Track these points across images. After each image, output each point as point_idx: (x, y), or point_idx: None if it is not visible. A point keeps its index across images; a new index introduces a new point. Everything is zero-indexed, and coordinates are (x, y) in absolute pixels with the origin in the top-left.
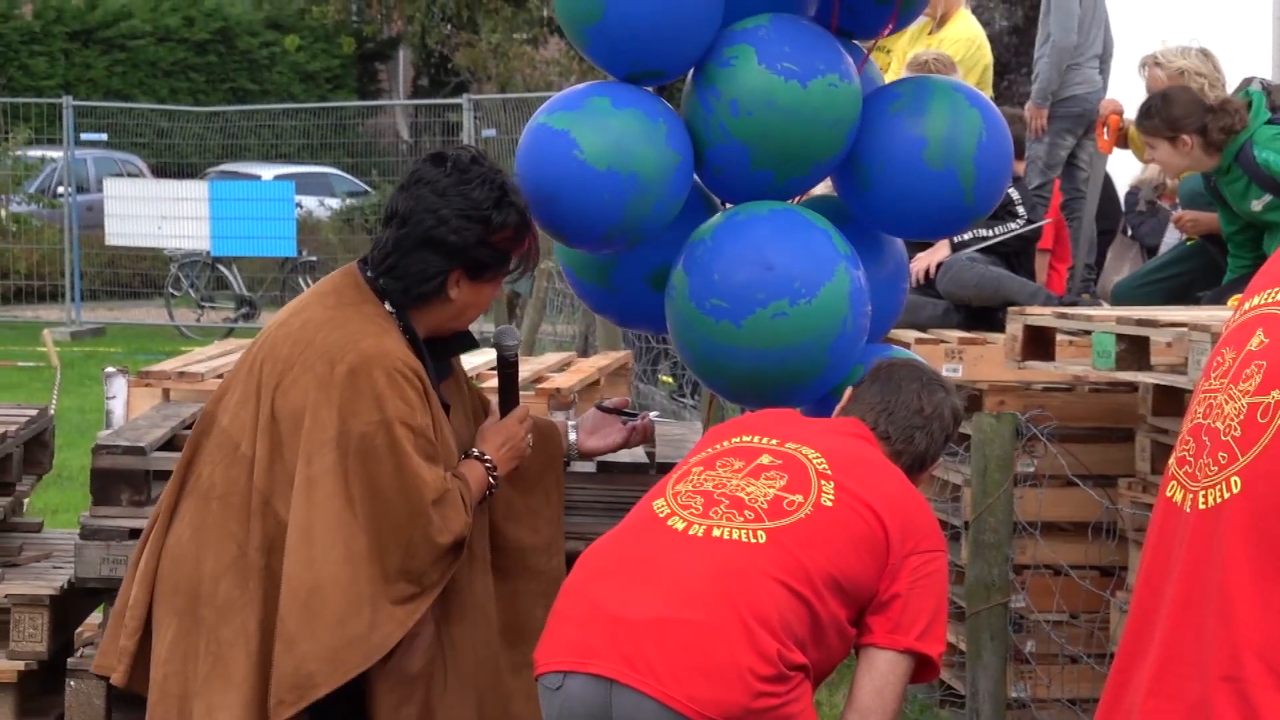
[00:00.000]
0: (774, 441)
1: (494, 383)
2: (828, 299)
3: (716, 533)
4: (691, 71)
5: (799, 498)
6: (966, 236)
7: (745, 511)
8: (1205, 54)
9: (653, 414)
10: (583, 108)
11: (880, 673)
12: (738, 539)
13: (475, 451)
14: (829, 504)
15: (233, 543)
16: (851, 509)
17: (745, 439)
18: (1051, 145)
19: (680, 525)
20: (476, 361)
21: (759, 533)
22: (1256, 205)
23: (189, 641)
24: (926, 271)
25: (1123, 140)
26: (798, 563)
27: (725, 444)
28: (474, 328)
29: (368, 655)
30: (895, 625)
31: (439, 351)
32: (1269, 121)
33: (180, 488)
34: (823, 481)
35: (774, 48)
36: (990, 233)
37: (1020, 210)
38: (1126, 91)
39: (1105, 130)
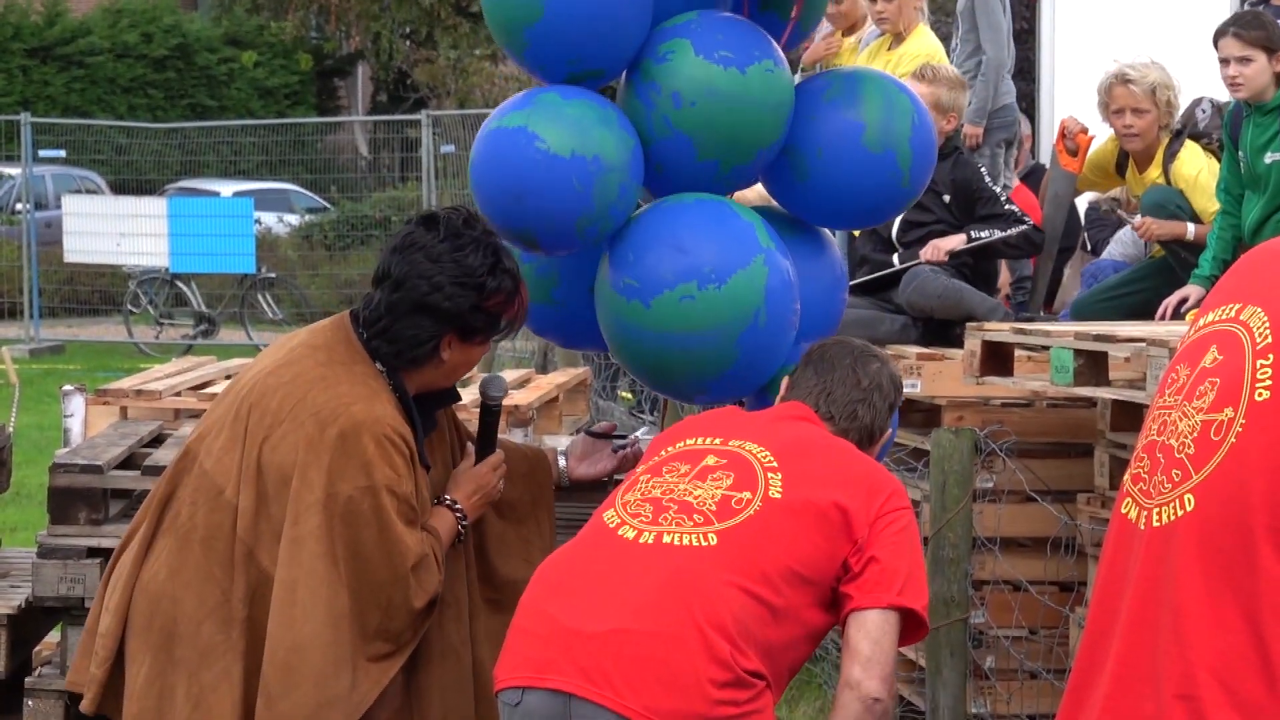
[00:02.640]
0: (718, 441)
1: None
2: (739, 287)
3: (667, 539)
4: (625, 73)
5: (747, 494)
6: (983, 234)
7: (694, 515)
8: (1163, 68)
9: (641, 431)
10: (534, 103)
11: (874, 625)
12: (689, 544)
13: (446, 499)
14: (777, 496)
15: (216, 588)
16: (802, 496)
17: (690, 442)
18: (993, 156)
19: (630, 534)
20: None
21: (709, 535)
22: (1268, 159)
23: (164, 680)
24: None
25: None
26: (751, 561)
27: (671, 449)
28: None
29: (348, 715)
30: (875, 585)
31: (423, 407)
32: None
33: (157, 523)
34: (769, 474)
35: (708, 38)
36: (1005, 232)
37: (1028, 219)
38: (1069, 103)
39: (1068, 146)
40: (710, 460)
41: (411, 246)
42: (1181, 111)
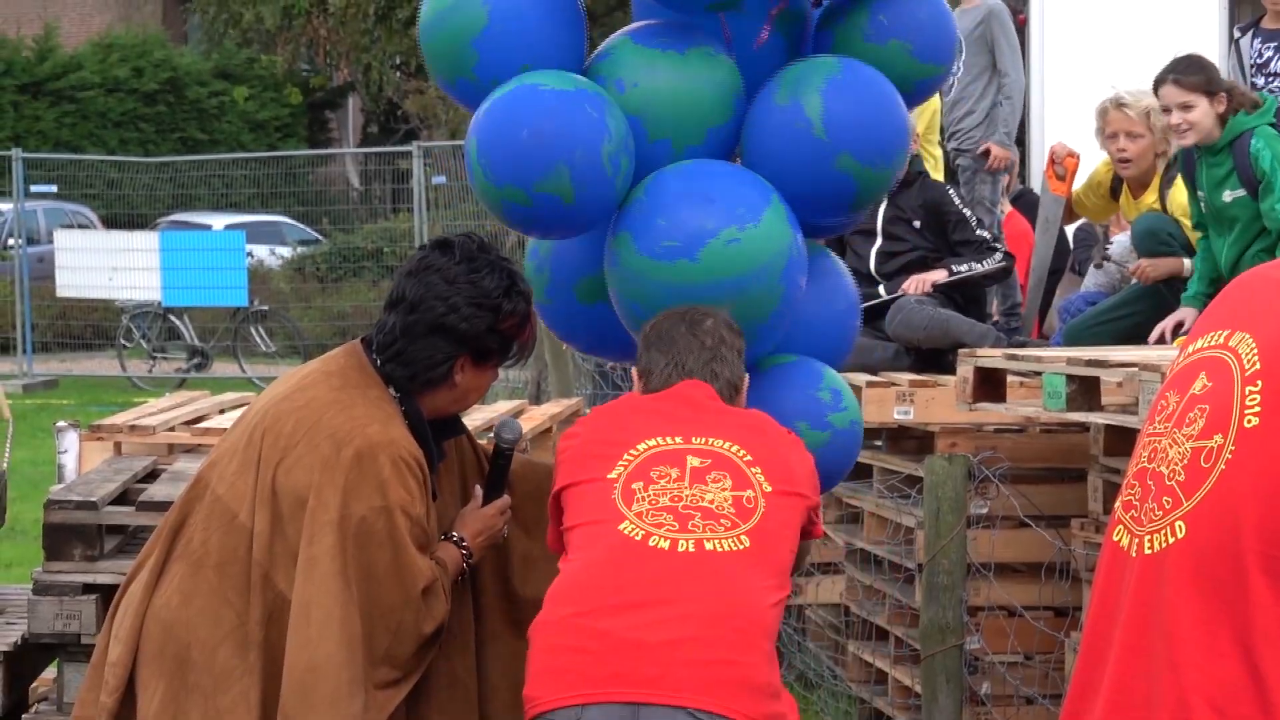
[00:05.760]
0: (679, 440)
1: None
2: (773, 222)
3: (709, 546)
4: None
5: (750, 493)
6: (962, 268)
7: (721, 520)
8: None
9: None
10: (519, 74)
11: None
12: (729, 549)
13: (455, 536)
14: (769, 490)
15: (231, 611)
16: (784, 489)
17: (650, 443)
18: (994, 183)
19: (665, 544)
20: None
21: (742, 538)
22: (1227, 196)
23: (178, 705)
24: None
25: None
26: (775, 559)
27: (632, 454)
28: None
29: None
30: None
31: (432, 437)
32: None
33: (169, 550)
34: (752, 470)
35: (646, 33)
36: (981, 265)
37: (1000, 245)
38: (1059, 128)
39: (1056, 172)
40: (695, 461)
41: (427, 269)
42: None
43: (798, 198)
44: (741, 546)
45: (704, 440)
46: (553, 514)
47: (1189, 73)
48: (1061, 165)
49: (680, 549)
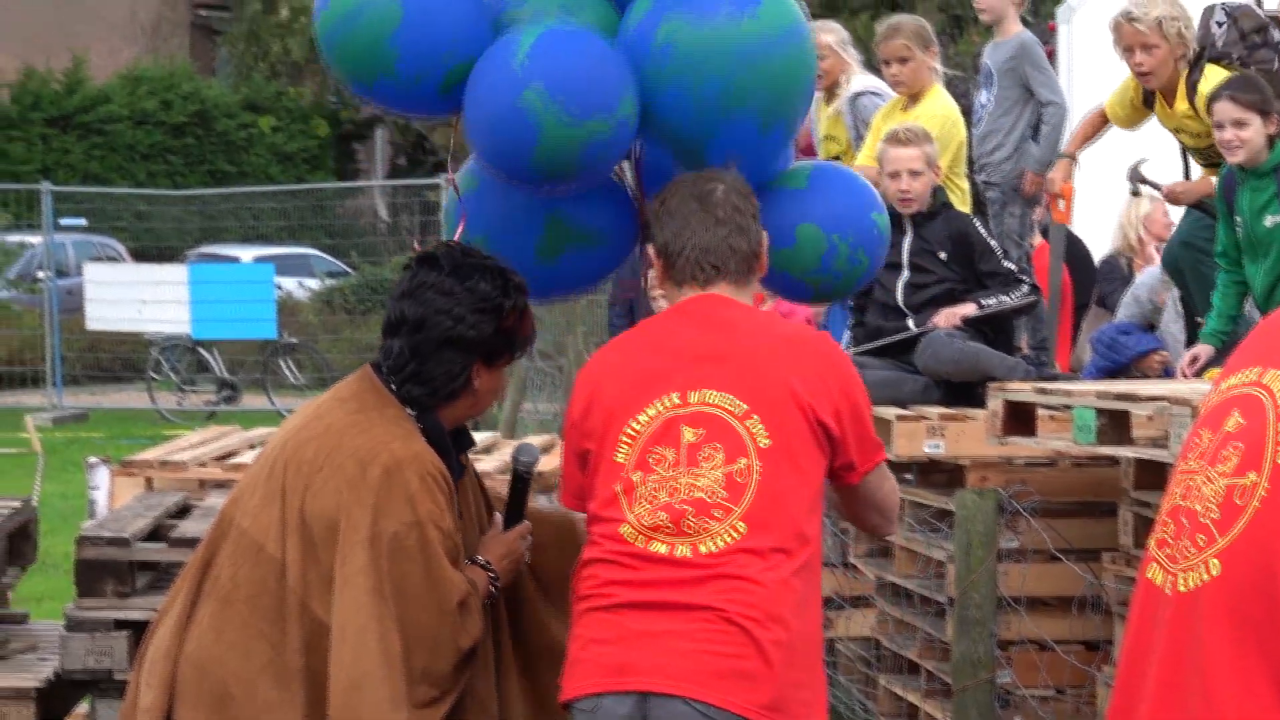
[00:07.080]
0: (676, 398)
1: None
2: None
3: (703, 549)
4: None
5: (743, 462)
6: (990, 301)
7: (714, 511)
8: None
9: None
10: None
11: (882, 479)
12: (725, 545)
13: (480, 560)
14: (768, 444)
15: (264, 643)
16: (788, 430)
17: (650, 412)
18: (1022, 216)
19: (663, 549)
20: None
21: (738, 525)
22: (1268, 222)
23: None
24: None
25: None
26: (781, 525)
27: (635, 426)
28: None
29: None
30: (868, 451)
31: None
32: None
33: (197, 590)
34: (747, 424)
35: None
36: (1010, 298)
37: (1026, 277)
38: (1089, 161)
39: (1059, 201)
40: (688, 435)
41: (421, 287)
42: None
43: None
44: (737, 536)
45: (699, 397)
46: (573, 469)
47: (1245, 90)
48: (1059, 194)
49: (678, 554)
